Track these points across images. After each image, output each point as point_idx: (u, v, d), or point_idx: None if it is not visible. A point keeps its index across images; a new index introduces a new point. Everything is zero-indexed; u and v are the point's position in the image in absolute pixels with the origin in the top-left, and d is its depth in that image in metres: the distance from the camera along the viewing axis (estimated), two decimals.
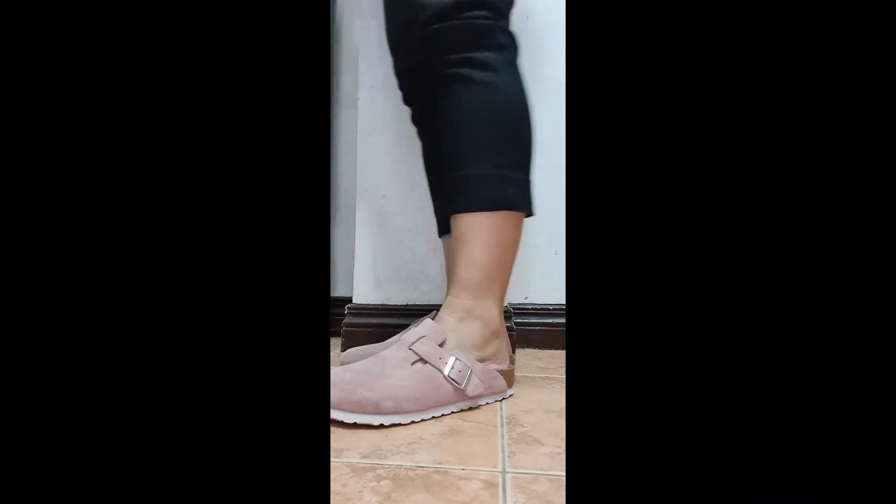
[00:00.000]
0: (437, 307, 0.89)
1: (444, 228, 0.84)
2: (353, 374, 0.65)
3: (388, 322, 1.05)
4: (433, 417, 0.67)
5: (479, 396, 0.70)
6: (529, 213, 0.74)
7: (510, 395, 0.76)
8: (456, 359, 0.68)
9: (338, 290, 1.23)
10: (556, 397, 0.77)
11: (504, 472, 0.51)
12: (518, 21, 1.12)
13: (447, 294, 0.76)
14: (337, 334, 1.06)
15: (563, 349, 1.07)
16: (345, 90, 1.30)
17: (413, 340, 0.69)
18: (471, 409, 0.70)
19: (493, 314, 0.74)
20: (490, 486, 0.48)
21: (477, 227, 0.71)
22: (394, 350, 0.69)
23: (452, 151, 0.71)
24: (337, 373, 0.65)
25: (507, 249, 0.72)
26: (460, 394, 0.68)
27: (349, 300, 1.09)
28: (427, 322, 0.72)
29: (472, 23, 0.64)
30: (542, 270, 1.12)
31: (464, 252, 0.72)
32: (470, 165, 0.70)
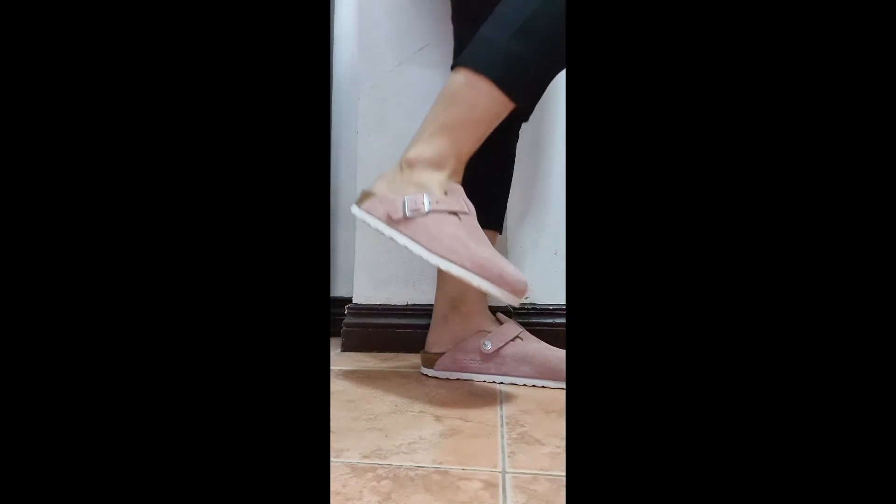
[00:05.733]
0: None
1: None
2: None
3: (388, 322, 1.05)
4: None
5: None
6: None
7: None
8: None
9: (338, 290, 1.23)
10: (556, 397, 0.77)
11: (504, 472, 0.51)
12: None
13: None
14: (337, 334, 1.06)
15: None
16: (345, 91, 1.30)
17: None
18: None
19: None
20: (490, 486, 0.48)
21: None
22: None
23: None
24: None
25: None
26: None
27: (349, 300, 1.09)
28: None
29: None
30: (542, 270, 1.12)
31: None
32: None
